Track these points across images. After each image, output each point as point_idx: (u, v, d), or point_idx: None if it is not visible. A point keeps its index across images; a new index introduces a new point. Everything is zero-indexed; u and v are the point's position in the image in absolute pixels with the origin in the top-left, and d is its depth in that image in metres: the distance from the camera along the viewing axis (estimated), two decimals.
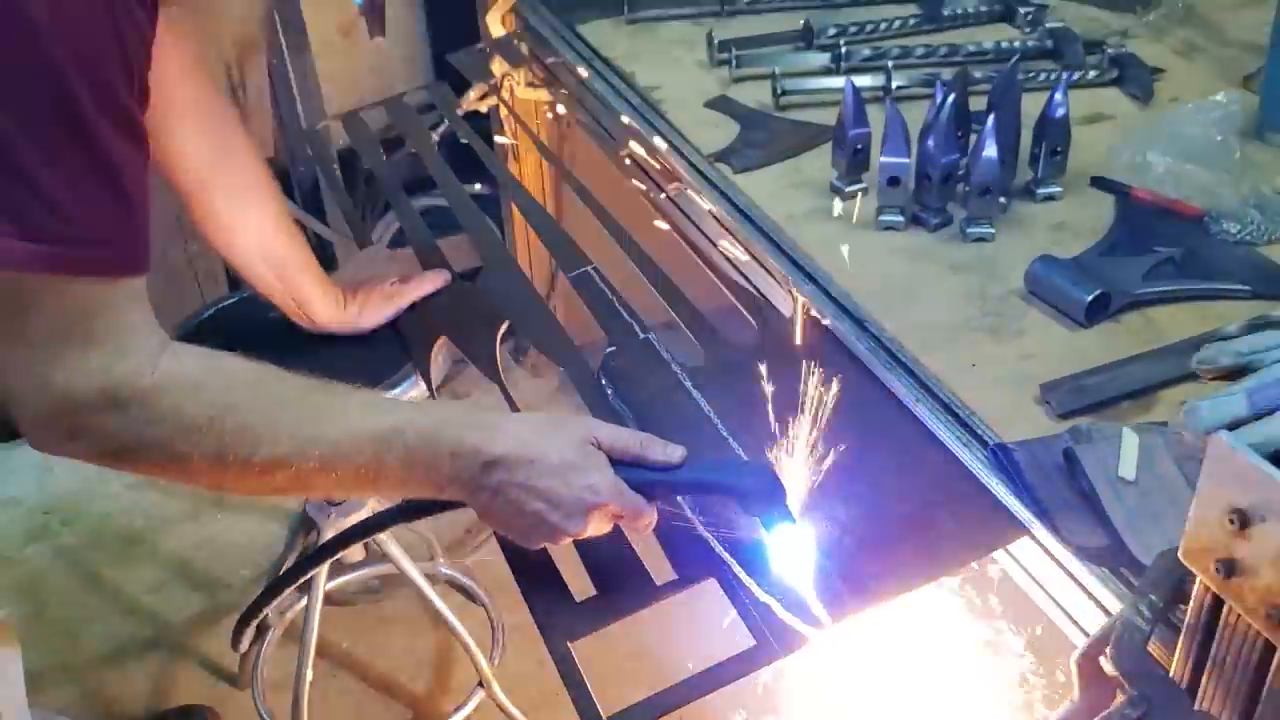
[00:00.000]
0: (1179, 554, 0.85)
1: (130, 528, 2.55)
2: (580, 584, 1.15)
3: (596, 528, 1.04)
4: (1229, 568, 0.80)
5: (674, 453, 1.06)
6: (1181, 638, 0.87)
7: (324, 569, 1.79)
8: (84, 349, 0.91)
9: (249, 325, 1.55)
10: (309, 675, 1.73)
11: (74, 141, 0.86)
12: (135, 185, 0.92)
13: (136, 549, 2.51)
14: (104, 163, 0.88)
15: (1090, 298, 1.33)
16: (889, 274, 1.47)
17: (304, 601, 1.85)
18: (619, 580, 1.14)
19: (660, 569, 1.15)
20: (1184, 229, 1.49)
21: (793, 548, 1.06)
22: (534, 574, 1.16)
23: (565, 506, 1.01)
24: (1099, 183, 1.60)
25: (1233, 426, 0.99)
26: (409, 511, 1.14)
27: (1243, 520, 0.78)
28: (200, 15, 1.12)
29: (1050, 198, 1.59)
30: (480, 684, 1.87)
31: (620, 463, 1.04)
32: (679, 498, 1.13)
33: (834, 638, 1.06)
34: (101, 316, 0.91)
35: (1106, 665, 0.90)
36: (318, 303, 1.48)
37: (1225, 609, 0.83)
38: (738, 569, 1.12)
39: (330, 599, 2.15)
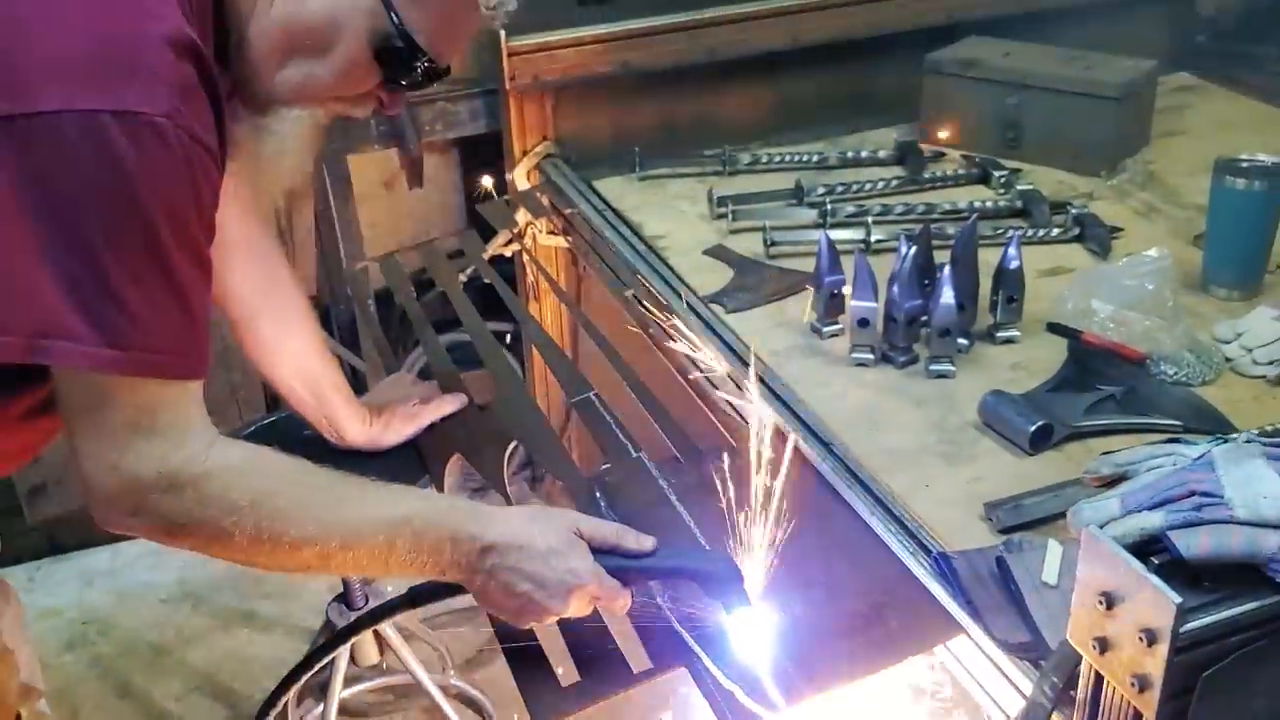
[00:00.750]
0: (1067, 634, 0.99)
1: (161, 639, 2.70)
2: (565, 669, 1.29)
3: (578, 608, 1.19)
4: (1102, 644, 0.95)
5: (646, 542, 1.23)
6: (1074, 712, 1.01)
7: (340, 676, 1.92)
8: (149, 438, 1.08)
9: (284, 441, 1.72)
10: None
11: (156, 269, 1.05)
12: (201, 306, 1.11)
13: (166, 660, 2.65)
14: (178, 287, 1.07)
15: (1033, 428, 1.49)
16: (858, 404, 1.64)
17: (320, 708, 1.98)
18: (600, 666, 1.28)
19: (637, 656, 1.29)
20: (1127, 370, 1.65)
21: (751, 630, 1.20)
22: (525, 658, 1.30)
23: (550, 588, 1.17)
24: (1054, 328, 1.77)
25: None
26: (414, 599, 1.30)
27: (1109, 601, 0.93)
28: (257, 168, 1.33)
29: (1009, 340, 1.76)
30: None
31: (599, 550, 1.21)
32: (651, 584, 1.27)
33: None
34: (166, 411, 1.09)
35: None
36: (347, 421, 1.66)
37: (1105, 682, 0.97)
38: (706, 660, 1.26)
39: (345, 709, 2.28)
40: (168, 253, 1.05)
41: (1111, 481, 1.26)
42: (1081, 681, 1.00)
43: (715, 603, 1.21)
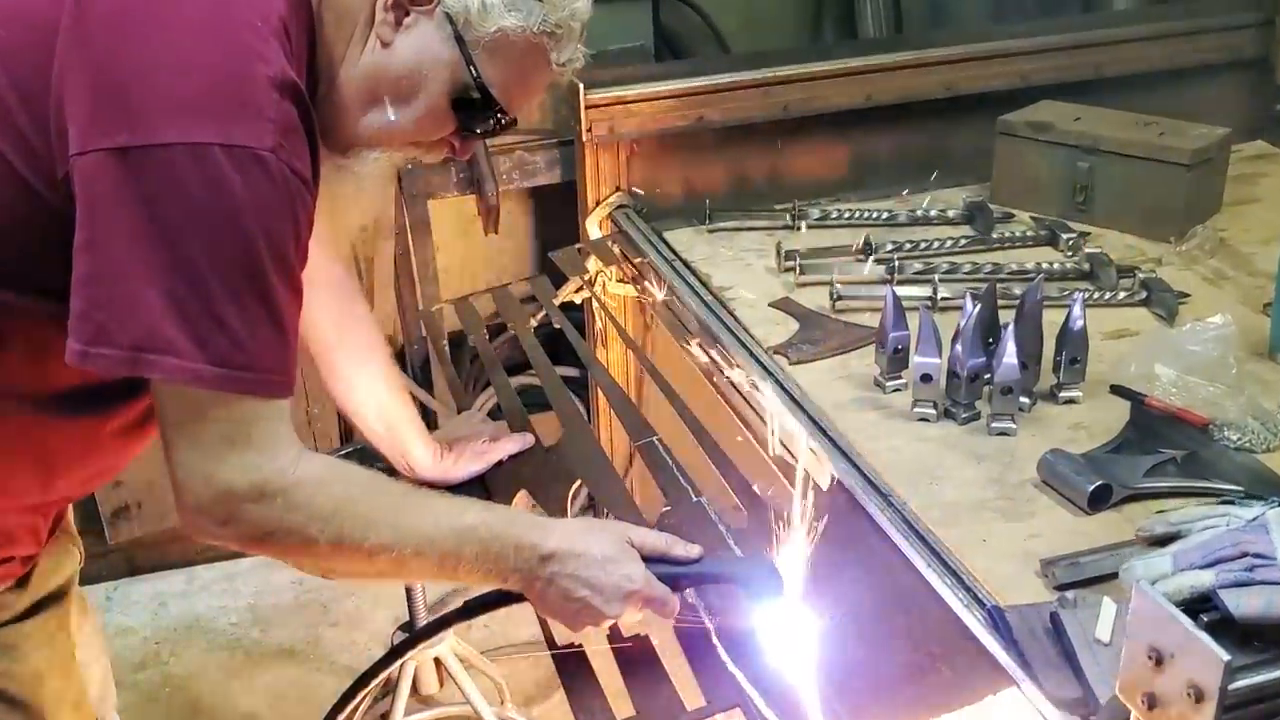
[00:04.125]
0: (1116, 689, 1.00)
1: (231, 662, 2.77)
2: (621, 704, 1.32)
3: (631, 613, 1.27)
4: (1151, 700, 0.96)
5: (692, 549, 1.33)
6: None
7: (402, 702, 1.97)
8: (243, 451, 1.15)
9: None
10: None
11: (255, 292, 1.12)
12: (293, 328, 1.18)
13: (234, 683, 2.72)
14: (274, 309, 1.14)
15: (1092, 488, 1.50)
16: (918, 458, 1.66)
17: None
18: (655, 703, 1.31)
19: (691, 693, 1.32)
20: (1189, 435, 1.65)
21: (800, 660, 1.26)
22: (582, 693, 1.34)
23: (605, 593, 1.25)
24: (1117, 390, 1.78)
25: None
26: (469, 610, 1.36)
27: (1158, 657, 0.94)
28: (334, 206, 1.40)
29: (1071, 400, 1.77)
30: None
31: (649, 559, 1.29)
32: (696, 605, 1.37)
33: None
34: (259, 426, 1.15)
35: None
36: (418, 454, 1.72)
37: None
38: (759, 701, 1.28)
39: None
40: (267, 276, 1.12)
41: (1164, 540, 1.26)
42: None
43: (757, 603, 1.30)
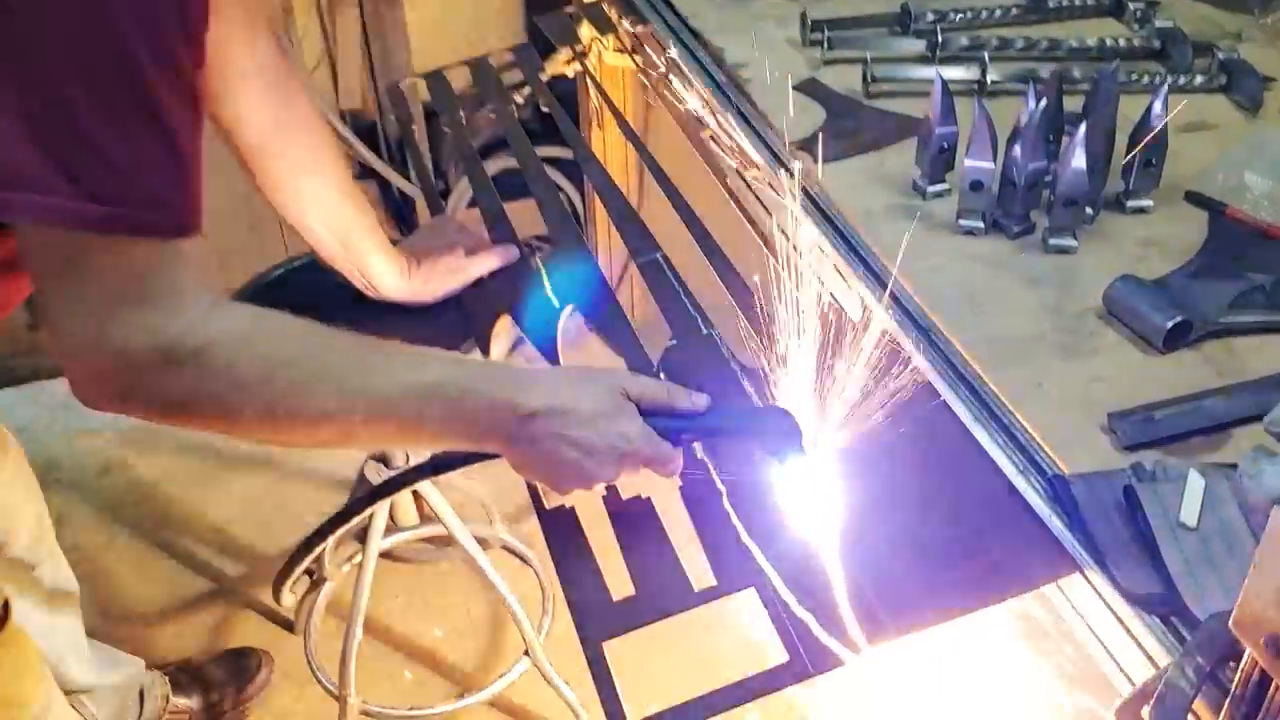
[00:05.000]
0: (1230, 622, 0.81)
1: (201, 466, 2.62)
2: (619, 582, 1.15)
3: (628, 474, 1.09)
4: (1278, 645, 0.77)
5: (699, 400, 1.12)
6: (1226, 706, 0.84)
7: (380, 524, 1.82)
8: (139, 308, 0.92)
9: (315, 290, 1.56)
10: (359, 633, 1.77)
11: (133, 104, 0.87)
12: (192, 150, 0.92)
13: (206, 489, 2.57)
14: (161, 125, 0.89)
15: (1171, 324, 1.28)
16: (963, 281, 1.43)
17: (360, 556, 1.88)
18: (658, 582, 1.14)
19: (700, 573, 1.15)
20: (1278, 255, 1.42)
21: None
22: (575, 569, 1.16)
23: (598, 454, 1.05)
24: (1193, 198, 1.54)
25: None
26: (454, 461, 1.17)
27: None
28: None
29: (1140, 210, 1.52)
30: (526, 652, 1.89)
31: (649, 412, 1.09)
32: (700, 455, 1.19)
33: (868, 662, 1.05)
34: (156, 276, 0.92)
35: None
36: (382, 271, 1.49)
37: (1273, 686, 0.80)
38: (777, 581, 1.11)
39: (389, 556, 2.20)
40: (148, 83, 0.87)
41: None
42: (1239, 676, 0.83)
43: (774, 461, 1.13)
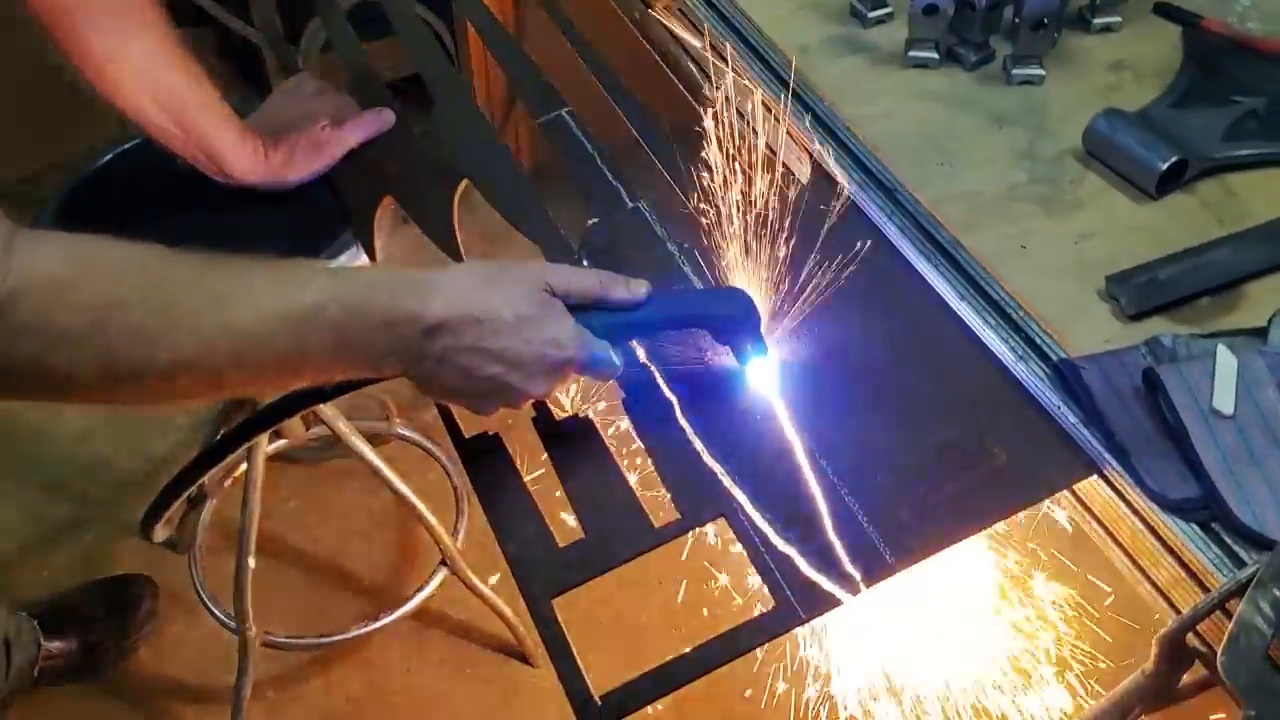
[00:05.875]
0: None
1: None
2: (565, 528, 0.96)
3: (561, 386, 0.93)
4: None
5: (638, 288, 0.95)
6: None
7: (263, 441, 1.59)
8: None
9: (155, 178, 1.29)
10: (251, 563, 1.56)
11: None
12: None
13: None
14: None
15: (1166, 165, 1.12)
16: (921, 126, 1.24)
17: (244, 468, 1.66)
18: (610, 520, 0.96)
19: (660, 505, 0.97)
20: (1267, 73, 1.26)
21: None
22: (509, 512, 0.97)
23: (526, 366, 0.89)
24: (1162, 10, 1.36)
25: None
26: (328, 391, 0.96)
27: None
28: None
29: (1107, 28, 1.34)
30: (443, 561, 1.71)
31: (579, 308, 0.92)
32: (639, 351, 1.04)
33: (866, 599, 0.89)
34: None
35: (1223, 677, 0.74)
36: (231, 152, 1.22)
37: None
38: (750, 509, 0.94)
39: (278, 457, 1.98)
40: None
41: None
42: None
43: (729, 349, 0.98)
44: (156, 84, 1.16)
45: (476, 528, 1.90)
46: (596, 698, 0.87)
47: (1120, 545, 0.92)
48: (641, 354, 1.04)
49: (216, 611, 1.75)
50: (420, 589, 1.73)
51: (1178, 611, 0.87)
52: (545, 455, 1.01)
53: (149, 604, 1.90)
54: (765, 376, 1.01)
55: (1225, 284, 1.05)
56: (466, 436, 1.03)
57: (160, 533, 1.44)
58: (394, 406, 1.97)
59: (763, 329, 0.98)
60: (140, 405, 0.86)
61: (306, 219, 1.29)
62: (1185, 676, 0.87)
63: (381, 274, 0.95)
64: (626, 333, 0.97)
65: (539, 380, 0.90)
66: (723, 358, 1.01)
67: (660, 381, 1.03)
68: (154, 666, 1.88)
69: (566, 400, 1.04)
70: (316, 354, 0.84)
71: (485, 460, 1.02)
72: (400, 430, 1.93)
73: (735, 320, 0.97)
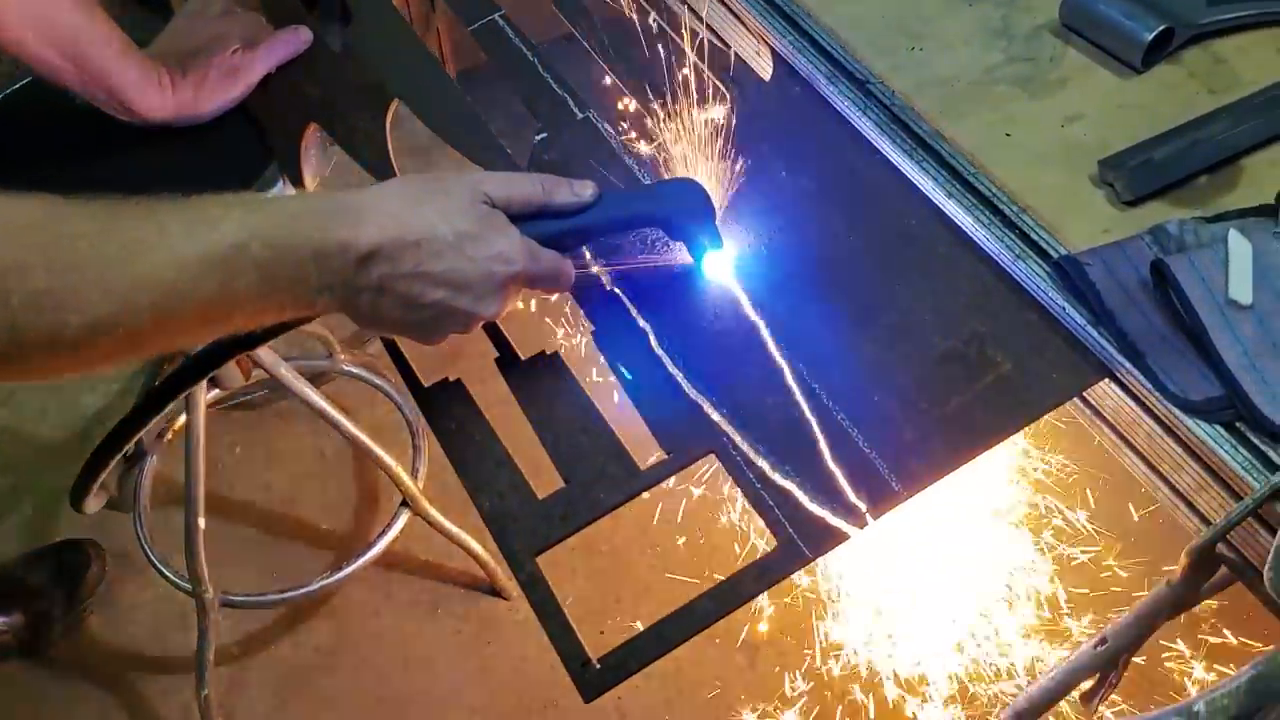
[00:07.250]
0: None
1: None
2: (541, 473, 0.89)
3: (512, 303, 0.87)
4: None
5: (584, 190, 0.90)
6: None
7: (200, 395, 1.50)
8: None
9: (49, 121, 1.17)
10: (201, 523, 1.47)
11: None
12: None
13: None
14: None
15: (1152, 36, 1.04)
16: (885, 6, 1.15)
17: (184, 418, 1.57)
18: (591, 465, 0.88)
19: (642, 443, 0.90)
20: None
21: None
22: (480, 465, 0.89)
23: (473, 287, 0.83)
24: None
25: None
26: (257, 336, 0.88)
27: None
28: None
29: None
30: (404, 502, 1.63)
31: (521, 217, 0.87)
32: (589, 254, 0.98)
33: (872, 531, 0.83)
34: None
35: (1270, 591, 0.69)
36: (133, 88, 1.10)
37: None
38: (741, 442, 0.87)
39: (219, 403, 1.87)
40: None
41: None
42: None
43: (685, 246, 0.93)
44: (39, 12, 1.03)
45: (436, 462, 1.82)
46: (594, 660, 0.80)
47: (1137, 451, 0.87)
48: (596, 266, 0.96)
49: (169, 574, 1.66)
50: (383, 533, 1.66)
51: (1203, 518, 0.82)
52: (514, 398, 0.93)
53: (96, 569, 1.80)
54: (726, 271, 0.94)
55: (1223, 161, 0.99)
56: (425, 385, 0.95)
57: (93, 503, 1.35)
58: (336, 341, 1.87)
59: (727, 225, 0.91)
60: (57, 376, 0.77)
61: (225, 155, 1.17)
62: None
63: (304, 201, 0.86)
64: (576, 239, 0.91)
65: (488, 300, 0.84)
66: (681, 255, 0.95)
67: (630, 308, 0.95)
68: (108, 635, 1.80)
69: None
70: (244, 298, 0.76)
71: (448, 409, 0.94)
72: (345, 367, 1.83)
73: (689, 211, 0.91)
